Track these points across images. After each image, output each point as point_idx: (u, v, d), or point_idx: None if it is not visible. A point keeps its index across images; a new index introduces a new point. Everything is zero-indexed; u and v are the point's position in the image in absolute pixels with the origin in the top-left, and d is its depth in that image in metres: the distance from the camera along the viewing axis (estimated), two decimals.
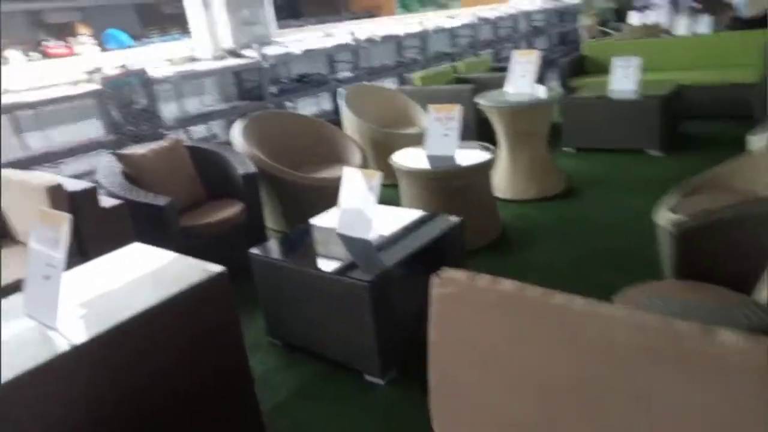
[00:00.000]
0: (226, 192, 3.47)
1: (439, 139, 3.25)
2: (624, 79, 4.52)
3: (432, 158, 3.22)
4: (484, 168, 3.14)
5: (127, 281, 1.67)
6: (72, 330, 1.42)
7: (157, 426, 1.52)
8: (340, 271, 2.13)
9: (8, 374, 1.24)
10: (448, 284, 1.01)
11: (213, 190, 3.50)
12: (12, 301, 1.63)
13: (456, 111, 3.19)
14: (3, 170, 2.73)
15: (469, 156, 3.18)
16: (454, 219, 2.49)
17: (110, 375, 1.41)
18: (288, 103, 6.42)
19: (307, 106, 7.27)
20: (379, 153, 4.36)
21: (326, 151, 4.19)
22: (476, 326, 0.98)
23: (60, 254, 1.44)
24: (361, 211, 2.39)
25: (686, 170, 4.12)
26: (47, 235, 1.49)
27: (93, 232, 2.49)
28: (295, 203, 3.72)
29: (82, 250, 2.47)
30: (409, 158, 3.25)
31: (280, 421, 2.02)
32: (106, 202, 2.55)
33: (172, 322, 1.54)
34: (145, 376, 1.49)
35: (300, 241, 2.50)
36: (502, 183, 3.83)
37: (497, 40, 9.18)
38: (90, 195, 2.46)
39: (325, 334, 2.26)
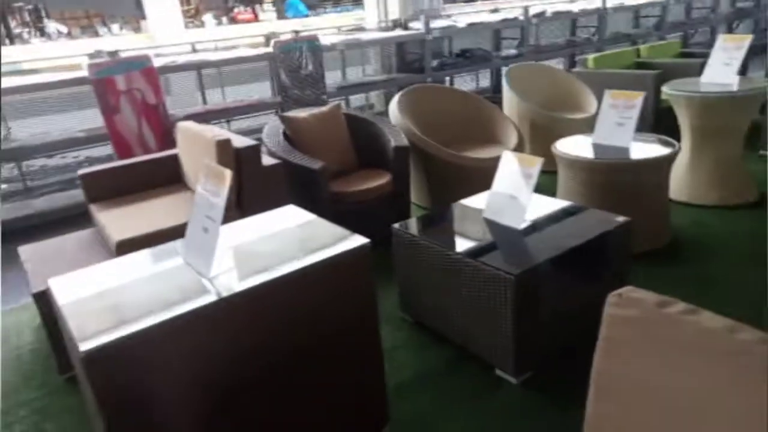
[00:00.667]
0: (376, 162, 3.47)
1: (611, 128, 2.91)
2: None
3: (600, 148, 2.90)
4: (662, 164, 2.76)
5: (278, 242, 1.70)
6: (222, 282, 1.46)
7: (286, 385, 1.53)
8: (484, 259, 1.99)
9: (163, 316, 1.31)
10: (629, 305, 0.83)
11: (365, 158, 3.52)
12: (177, 245, 1.74)
13: (638, 99, 2.83)
14: (184, 123, 2.97)
15: (645, 149, 2.81)
16: (620, 219, 2.21)
17: (250, 330, 1.44)
18: (447, 79, 6.30)
19: (466, 83, 7.09)
20: (538, 137, 4.08)
21: (481, 130, 4.01)
22: (662, 365, 0.79)
23: (219, 208, 1.48)
24: (515, 198, 2.22)
25: None
26: (210, 188, 1.54)
27: (252, 188, 2.62)
28: (443, 181, 3.62)
29: (240, 205, 2.61)
30: (574, 146, 2.96)
31: (402, 404, 1.96)
32: (267, 160, 2.66)
33: (314, 286, 1.53)
34: (282, 336, 1.50)
35: (444, 221, 2.39)
36: (678, 183, 3.36)
37: (689, 23, 8.13)
38: (254, 152, 2.58)
39: (459, 320, 2.15)
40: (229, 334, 1.42)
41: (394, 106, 3.78)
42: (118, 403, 1.28)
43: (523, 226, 2.19)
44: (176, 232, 2.43)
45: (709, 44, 6.94)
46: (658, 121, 4.31)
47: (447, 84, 6.18)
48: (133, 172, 2.94)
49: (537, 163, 2.17)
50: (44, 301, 2.21)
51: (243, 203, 2.61)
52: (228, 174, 1.48)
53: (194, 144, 2.76)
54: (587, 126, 4.14)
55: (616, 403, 0.88)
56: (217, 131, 2.63)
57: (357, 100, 6.22)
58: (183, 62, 4.53)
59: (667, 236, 2.92)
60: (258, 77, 5.53)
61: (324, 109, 3.49)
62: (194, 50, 5.30)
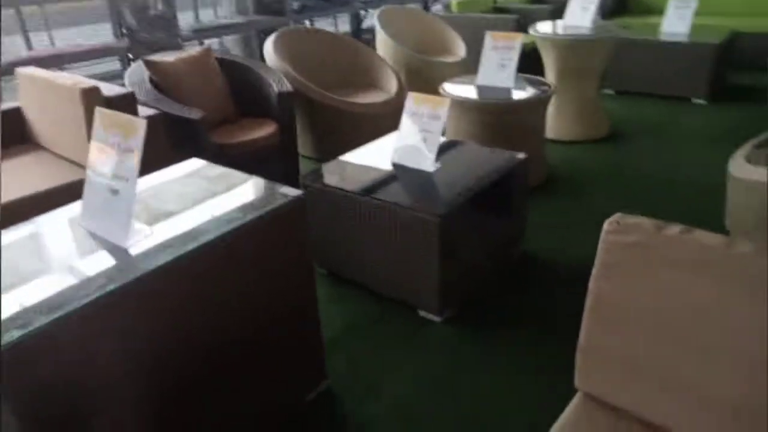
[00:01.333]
0: (258, 110, 3.23)
1: (494, 70, 3.01)
2: (678, 21, 4.24)
3: (484, 89, 3.00)
4: (542, 103, 2.93)
5: (198, 199, 1.50)
6: (145, 251, 1.26)
7: (223, 352, 1.39)
8: (408, 204, 1.96)
9: (84, 299, 1.09)
10: (630, 231, 0.86)
11: (245, 107, 3.26)
12: (57, 215, 1.45)
13: (518, 40, 2.94)
14: (26, 69, 2.47)
15: (525, 90, 2.96)
16: (520, 155, 2.32)
17: (183, 301, 1.27)
18: (306, 22, 6.03)
19: (325, 27, 6.86)
20: (413, 81, 4.10)
21: (360, 76, 3.92)
22: (664, 284, 0.83)
23: (132, 164, 1.25)
24: (424, 141, 2.21)
25: (734, 121, 3.96)
26: (114, 140, 1.29)
27: None
28: (329, 129, 3.50)
29: None
30: (460, 88, 3.02)
31: (335, 356, 1.92)
32: (142, 111, 2.33)
33: (250, 246, 1.39)
34: (217, 303, 1.35)
35: (352, 169, 2.32)
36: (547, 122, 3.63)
37: None
38: (128, 102, 2.23)
39: (379, 268, 2.13)
40: (159, 310, 1.23)
41: (270, 49, 3.52)
42: (38, 404, 1.06)
43: (433, 168, 2.20)
44: (41, 201, 2.06)
45: None
46: (521, 62, 4.58)
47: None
48: None
49: (445, 105, 2.17)
50: None
51: None
52: (141, 123, 1.24)
53: (46, 94, 2.32)
54: (459, 69, 4.26)
55: (614, 327, 0.92)
56: (77, 78, 2.23)
57: (211, 45, 5.70)
58: None
59: (544, 172, 3.16)
60: (92, 19, 4.80)
61: (193, 52, 3.14)
62: None
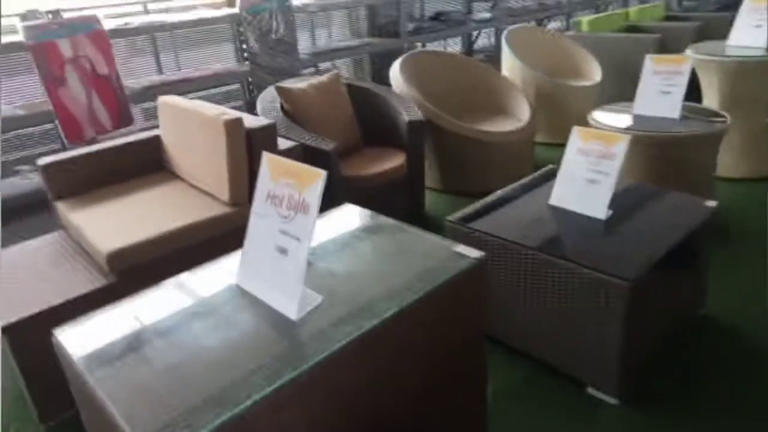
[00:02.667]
0: (383, 139, 3.07)
1: (655, 98, 2.65)
2: None
3: (644, 120, 2.64)
4: (717, 137, 2.53)
5: (362, 257, 1.30)
6: (320, 328, 1.06)
7: (394, 426, 1.17)
8: (587, 262, 1.66)
9: (257, 392, 0.90)
10: None
11: (369, 135, 3.11)
12: (209, 269, 1.30)
13: (685, 65, 2.57)
14: (168, 98, 2.45)
15: (691, 121, 2.57)
16: (709, 203, 1.95)
17: (356, 381, 1.06)
18: (418, 44, 5.89)
19: (435, 48, 6.70)
20: (544, 107, 3.79)
21: (488, 101, 3.67)
22: None
23: (306, 224, 1.07)
24: (595, 183, 1.90)
25: None
26: (284, 192, 1.12)
27: None
28: (456, 159, 3.27)
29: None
30: (611, 118, 2.68)
31: (494, 427, 1.65)
32: (281, 143, 2.21)
33: (430, 317, 1.16)
34: (392, 376, 1.13)
35: (504, 212, 2.05)
36: None
37: None
38: (269, 134, 2.12)
39: (540, 331, 1.83)
40: (330, 395, 1.03)
41: (397, 74, 3.36)
42: None
43: (605, 216, 1.89)
44: (178, 237, 1.98)
45: (692, 8, 6.88)
46: None
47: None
48: (107, 158, 2.40)
49: (623, 142, 1.86)
50: (15, 335, 1.71)
51: None
52: (320, 176, 1.06)
53: (186, 124, 2.26)
54: (594, 94, 3.90)
55: None
56: (219, 109, 2.14)
57: (323, 68, 5.70)
58: (138, 24, 3.88)
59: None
60: (216, 42, 4.92)
61: (323, 78, 3.03)
62: (146, 11, 4.60)
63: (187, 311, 1.16)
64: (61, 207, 2.24)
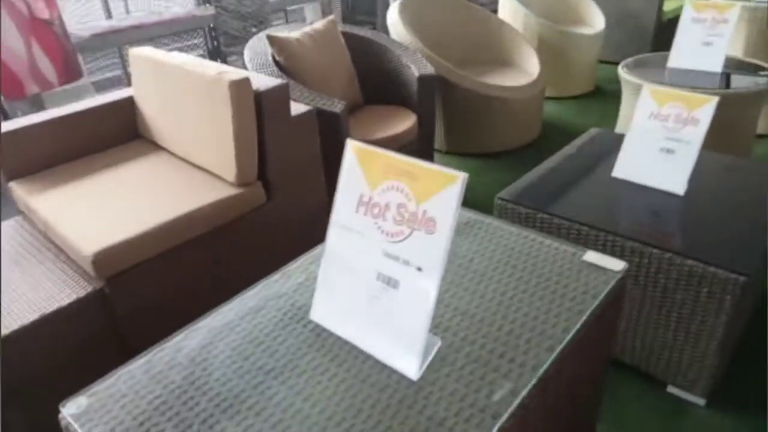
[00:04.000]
0: (386, 97, 2.71)
1: (695, 50, 2.40)
2: None
3: (682, 74, 2.39)
4: (763, 95, 2.32)
5: (475, 273, 0.99)
6: (456, 393, 0.77)
7: None
8: (677, 248, 1.43)
9: None
10: None
11: (369, 92, 2.74)
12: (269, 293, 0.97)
13: (733, 12, 2.31)
14: (141, 49, 1.99)
15: (738, 76, 2.35)
16: None
17: None
18: None
19: None
20: (547, 57, 3.49)
21: (492, 52, 3.34)
22: None
23: (439, 244, 0.75)
24: (668, 154, 1.65)
25: None
26: (389, 199, 0.79)
27: (279, 152, 1.80)
28: (461, 117, 2.95)
29: (265, 180, 1.79)
30: (644, 73, 2.42)
31: None
32: (294, 107, 1.83)
33: (576, 354, 0.89)
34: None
35: (557, 187, 1.78)
36: None
37: None
38: (282, 96, 1.73)
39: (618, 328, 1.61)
40: None
41: (396, 19, 2.96)
42: None
43: (683, 190, 1.65)
44: (177, 230, 1.60)
45: None
46: (659, 37, 3.91)
47: None
48: (70, 126, 1.95)
49: (708, 105, 1.60)
50: None
51: (269, 177, 1.79)
52: (458, 179, 0.73)
53: (173, 84, 1.83)
54: (597, 44, 3.64)
55: None
56: (213, 65, 1.73)
57: (278, 17, 5.13)
58: None
59: None
60: None
61: (317, 26, 2.60)
62: None
63: (248, 366, 0.84)
64: (18, 190, 1.80)
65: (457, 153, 3.05)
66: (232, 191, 1.72)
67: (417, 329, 0.77)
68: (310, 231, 2.05)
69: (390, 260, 0.80)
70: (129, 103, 2.05)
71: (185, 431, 0.74)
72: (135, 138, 2.12)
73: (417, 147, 2.61)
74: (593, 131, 2.11)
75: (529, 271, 0.98)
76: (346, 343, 0.86)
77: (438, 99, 2.90)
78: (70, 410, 0.78)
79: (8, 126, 1.83)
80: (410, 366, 0.79)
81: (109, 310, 1.51)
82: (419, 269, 0.77)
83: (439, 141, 3.03)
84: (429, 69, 2.57)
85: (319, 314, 0.90)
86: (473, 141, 3.01)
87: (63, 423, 0.78)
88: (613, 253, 1.51)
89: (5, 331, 1.36)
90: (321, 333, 0.88)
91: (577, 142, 2.05)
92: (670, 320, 1.50)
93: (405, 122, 2.53)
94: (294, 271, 1.05)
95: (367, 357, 0.83)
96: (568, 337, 0.82)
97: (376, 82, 2.73)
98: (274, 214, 1.84)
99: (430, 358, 0.81)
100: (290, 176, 1.87)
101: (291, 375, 0.81)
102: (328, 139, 2.10)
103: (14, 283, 1.52)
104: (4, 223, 1.83)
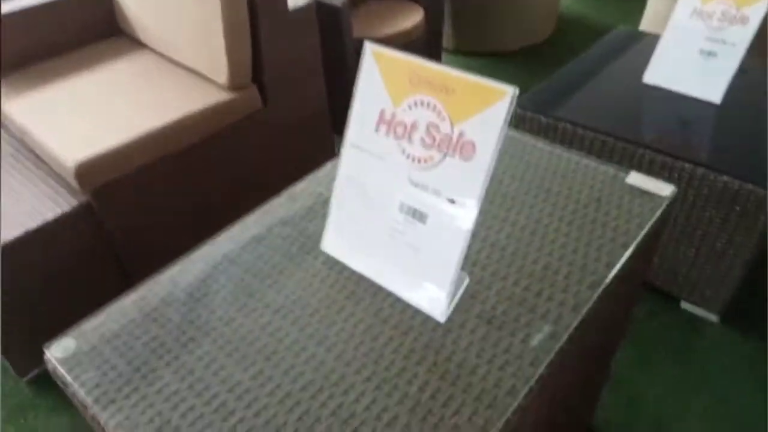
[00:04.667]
0: None
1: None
2: None
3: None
4: None
5: (503, 196, 0.89)
6: (486, 337, 0.69)
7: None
8: (723, 165, 1.31)
9: None
10: None
11: None
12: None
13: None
14: None
15: None
16: None
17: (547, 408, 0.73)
18: None
19: None
20: None
21: None
22: None
23: (476, 176, 0.63)
24: (710, 57, 1.49)
25: None
26: (418, 117, 0.67)
27: (275, 52, 1.61)
28: (472, 11, 2.70)
29: (260, 82, 1.62)
30: None
31: None
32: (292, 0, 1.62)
33: (619, 287, 0.81)
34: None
35: (590, 96, 1.62)
36: None
37: None
38: None
39: None
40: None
41: None
42: None
43: (720, 99, 1.51)
44: (165, 139, 1.46)
45: None
46: None
47: None
48: (41, 20, 1.74)
49: (761, 2, 1.42)
50: None
51: (264, 80, 1.62)
52: (506, 94, 0.60)
53: None
54: None
55: None
56: None
57: None
58: None
59: None
60: None
61: None
62: None
63: (253, 304, 0.75)
64: None
65: (466, 52, 2.84)
66: (224, 96, 1.56)
67: (446, 267, 0.68)
68: (309, 139, 1.92)
69: (416, 189, 0.69)
70: None
71: (186, 377, 0.66)
72: (114, 33, 1.91)
73: (424, 45, 2.40)
74: (620, 30, 1.92)
75: (564, 196, 0.87)
76: (363, 278, 0.76)
77: None
78: (55, 353, 0.70)
79: None
80: (437, 306, 0.70)
81: (98, 225, 1.42)
82: (452, 201, 0.66)
83: (446, 39, 2.80)
84: None
85: (332, 246, 0.80)
86: (484, 38, 2.79)
87: (49, 366, 0.70)
88: (640, 168, 1.40)
89: None
90: (333, 266, 0.79)
91: (602, 42, 1.86)
92: (694, 237, 1.42)
93: (411, 17, 2.30)
94: (300, 193, 0.94)
95: (388, 295, 0.74)
96: (613, 273, 0.74)
97: None
98: (271, 121, 1.70)
99: (458, 297, 0.72)
100: (288, 79, 1.70)
101: (302, 314, 0.73)
102: (327, 36, 1.91)
103: (12, 199, 1.41)
104: None
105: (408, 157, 0.69)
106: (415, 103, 0.68)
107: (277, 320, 0.72)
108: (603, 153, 1.45)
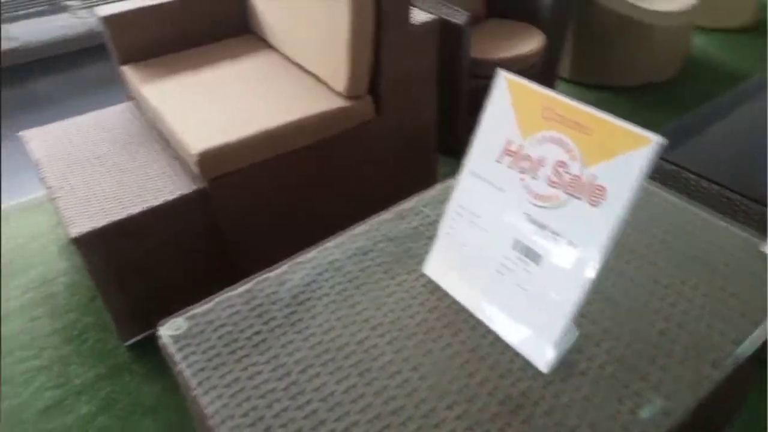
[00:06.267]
0: (511, 10, 2.42)
1: None
2: None
3: None
4: None
5: (629, 252, 0.84)
6: (594, 396, 0.65)
7: None
8: None
9: None
10: None
11: (494, 4, 2.46)
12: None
13: None
14: None
15: None
16: None
17: None
18: None
19: None
20: None
21: None
22: None
23: (600, 220, 0.61)
24: None
25: None
26: (545, 153, 0.65)
27: (395, 65, 1.64)
28: (598, 43, 2.61)
29: (377, 95, 1.65)
30: None
31: None
32: (416, 15, 1.64)
33: None
34: None
35: (708, 143, 1.51)
36: None
37: None
38: (404, 1, 1.55)
39: None
40: None
41: None
42: None
43: None
44: (281, 138, 1.53)
45: None
46: None
47: None
48: (180, 12, 1.88)
49: None
50: (87, 247, 1.37)
51: (380, 91, 1.66)
52: (649, 142, 0.57)
53: None
54: None
55: None
56: None
57: None
58: None
59: None
60: None
61: None
62: None
63: (352, 316, 0.76)
64: (131, 75, 1.78)
65: (583, 83, 2.74)
66: (340, 103, 1.60)
67: (557, 315, 0.65)
68: (413, 155, 1.93)
69: (534, 227, 0.67)
70: None
71: (283, 378, 0.68)
72: (244, 32, 2.03)
73: (539, 72, 2.35)
74: (759, 78, 1.78)
75: (690, 257, 0.81)
76: (462, 309, 0.75)
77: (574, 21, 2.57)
78: (168, 331, 0.75)
79: (113, 9, 1.78)
80: (541, 355, 0.67)
81: (211, 212, 1.50)
82: (572, 245, 0.63)
83: (563, 68, 2.73)
84: None
85: (435, 270, 0.80)
86: (604, 71, 2.68)
87: (160, 342, 0.75)
88: None
89: (110, 220, 1.38)
90: (434, 291, 0.78)
91: (737, 89, 1.73)
92: None
93: (531, 42, 2.26)
94: (407, 212, 0.94)
95: (487, 331, 0.72)
96: (738, 351, 0.67)
97: None
98: (380, 132, 1.73)
99: (565, 350, 0.69)
100: (402, 92, 1.72)
101: (399, 335, 0.73)
102: (443, 53, 1.91)
103: (123, 170, 1.53)
104: (116, 107, 1.84)
105: (529, 192, 0.67)
106: (546, 139, 0.66)
107: (374, 337, 0.73)
108: (729, 211, 1.34)
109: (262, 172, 1.53)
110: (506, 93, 0.71)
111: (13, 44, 2.94)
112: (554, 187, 0.65)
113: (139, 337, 1.53)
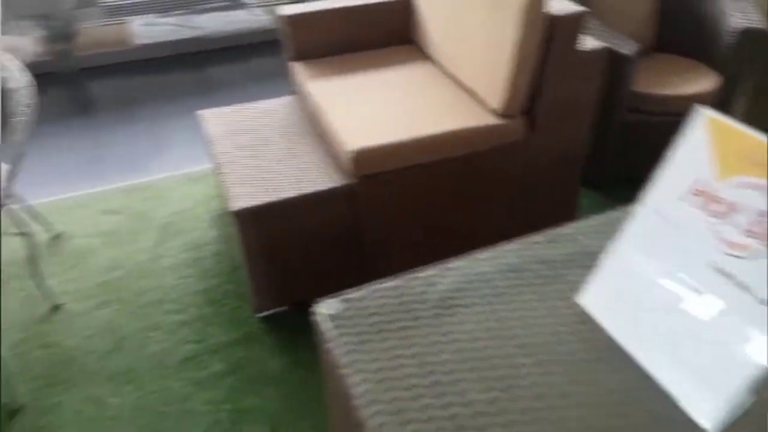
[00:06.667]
0: (683, 47, 2.28)
1: None
2: None
3: None
4: None
5: None
6: None
7: None
8: None
9: None
10: None
11: (665, 37, 2.33)
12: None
13: None
14: None
15: None
16: None
17: None
18: None
19: None
20: None
21: None
22: None
23: None
24: None
25: None
26: (743, 199, 0.61)
27: (557, 88, 1.62)
28: None
29: (532, 116, 1.64)
30: None
31: None
32: (585, 41, 1.61)
33: None
34: None
35: None
36: None
37: None
38: (575, 27, 1.53)
39: None
40: None
41: None
42: None
43: None
44: (431, 147, 1.57)
45: None
46: None
47: None
48: (351, 19, 2.01)
49: None
50: (245, 221, 1.50)
51: (535, 113, 1.64)
52: None
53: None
54: None
55: None
56: None
57: None
58: None
59: None
60: None
61: None
62: None
63: (501, 331, 0.76)
64: (299, 71, 1.93)
65: (761, 129, 2.51)
66: (493, 120, 1.61)
67: (731, 379, 0.60)
68: (557, 180, 1.88)
69: (717, 276, 0.63)
70: (403, 6, 2.02)
71: (428, 376, 0.70)
72: (406, 42, 2.11)
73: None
74: None
75: None
76: (617, 347, 0.72)
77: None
78: (323, 309, 0.80)
79: (294, 9, 1.93)
80: (708, 413, 0.63)
81: (356, 207, 1.58)
82: (762, 303, 0.59)
83: (735, 112, 2.51)
84: (759, 22, 2.07)
85: (590, 301, 0.78)
86: None
87: (315, 319, 0.80)
88: None
89: (268, 200, 1.50)
90: (586, 321, 0.76)
91: None
92: None
93: (702, 82, 2.11)
94: (561, 237, 0.92)
95: (645, 375, 0.69)
96: None
97: (678, 25, 2.31)
98: (530, 153, 1.71)
99: (736, 416, 0.64)
100: (558, 117, 1.69)
101: (546, 359, 0.72)
102: (604, 82, 1.85)
103: (282, 156, 1.66)
104: (281, 99, 1.99)
105: (718, 239, 0.63)
106: (745, 184, 0.62)
107: (520, 356, 0.72)
108: None
109: (409, 177, 1.58)
110: (704, 131, 0.67)
111: (197, 33, 3.30)
112: (749, 236, 0.61)
113: (271, 311, 1.65)
